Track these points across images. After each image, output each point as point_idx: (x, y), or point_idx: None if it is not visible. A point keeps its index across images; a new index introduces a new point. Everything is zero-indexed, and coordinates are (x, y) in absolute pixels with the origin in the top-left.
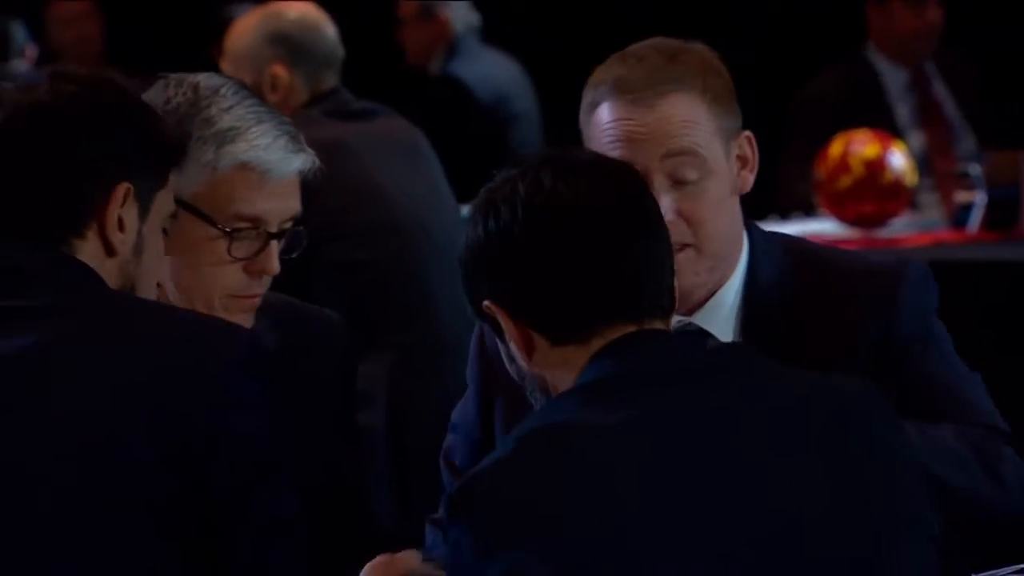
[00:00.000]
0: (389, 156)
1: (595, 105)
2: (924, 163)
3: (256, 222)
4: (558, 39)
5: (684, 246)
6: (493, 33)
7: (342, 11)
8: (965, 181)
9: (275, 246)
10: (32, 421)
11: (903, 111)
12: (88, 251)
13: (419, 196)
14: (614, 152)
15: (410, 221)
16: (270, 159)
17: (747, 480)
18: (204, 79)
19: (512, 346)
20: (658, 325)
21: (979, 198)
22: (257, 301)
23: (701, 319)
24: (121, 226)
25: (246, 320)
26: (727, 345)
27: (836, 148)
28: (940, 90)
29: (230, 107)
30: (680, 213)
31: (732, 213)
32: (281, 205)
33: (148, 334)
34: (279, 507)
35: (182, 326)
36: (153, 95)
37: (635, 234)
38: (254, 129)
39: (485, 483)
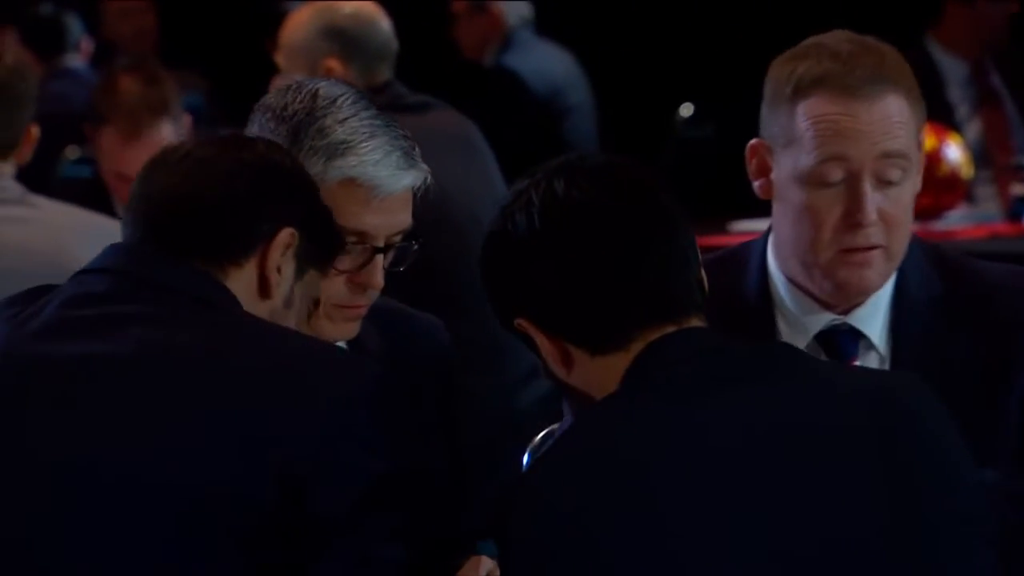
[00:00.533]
0: (444, 150)
1: (799, 96)
2: (981, 156)
3: (362, 236)
4: (612, 31)
5: (874, 247)
6: (547, 25)
7: (396, 5)
8: (1021, 173)
9: (380, 260)
10: (134, 418)
11: (961, 103)
12: (242, 282)
13: (474, 191)
14: (825, 145)
15: (465, 217)
16: (379, 175)
17: (793, 484)
18: (325, 87)
19: (550, 361)
20: (695, 323)
21: None
22: (363, 311)
23: (855, 319)
24: (279, 271)
25: (352, 329)
26: (770, 344)
27: None
28: (998, 82)
29: (345, 119)
30: (880, 215)
31: (909, 216)
32: (389, 220)
33: (273, 355)
34: (373, 547)
35: (311, 353)
36: (273, 99)
37: (655, 232)
38: (366, 144)
39: (527, 494)
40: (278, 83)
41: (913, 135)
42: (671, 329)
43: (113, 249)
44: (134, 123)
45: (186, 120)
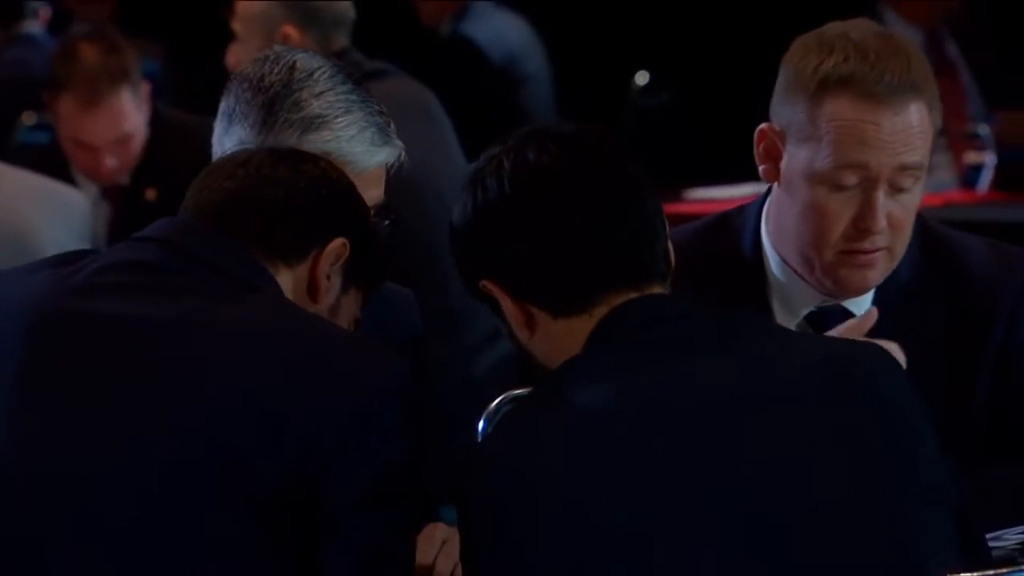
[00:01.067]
0: (403, 118)
1: (824, 93)
2: None
3: None
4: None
5: (879, 250)
6: None
7: None
8: (975, 142)
9: None
10: (168, 380)
11: None
12: (291, 282)
13: (433, 160)
14: (845, 151)
15: (425, 185)
16: (353, 151)
17: (751, 448)
18: (302, 59)
19: (513, 323)
20: (657, 289)
21: (989, 159)
22: None
23: (848, 301)
24: (328, 278)
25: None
26: (732, 311)
27: None
28: (953, 52)
29: (321, 93)
30: (889, 219)
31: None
32: (363, 195)
33: (310, 339)
34: (384, 539)
35: (346, 342)
36: (251, 69)
37: (625, 200)
38: (341, 120)
39: (486, 457)
40: (235, 50)
41: (929, 143)
42: (634, 295)
43: (168, 221)
44: (93, 91)
45: (145, 88)
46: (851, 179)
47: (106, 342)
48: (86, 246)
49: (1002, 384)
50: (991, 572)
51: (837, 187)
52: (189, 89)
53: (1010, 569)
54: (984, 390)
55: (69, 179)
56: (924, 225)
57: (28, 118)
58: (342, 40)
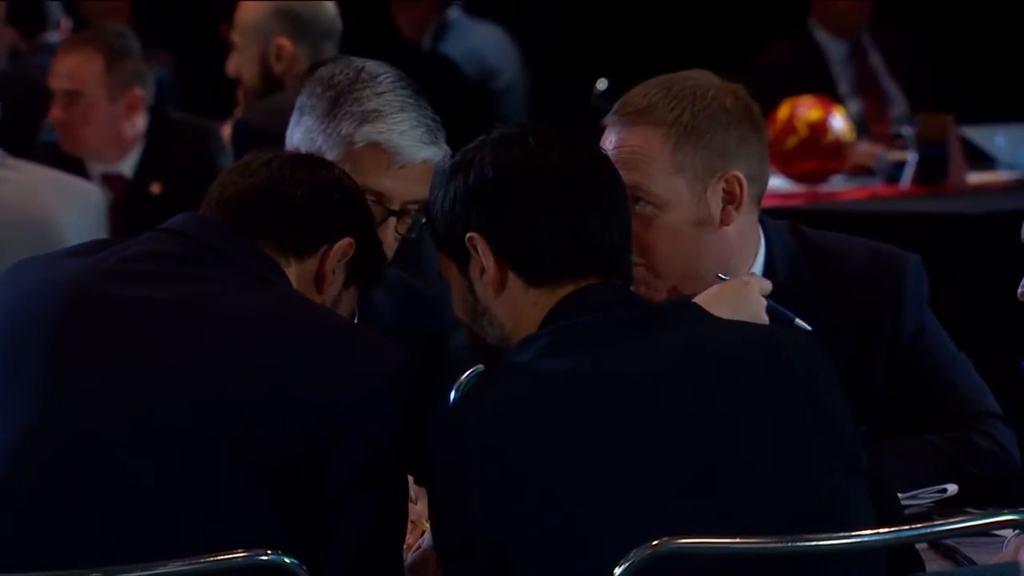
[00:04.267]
0: None
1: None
2: (861, 125)
3: (379, 197)
4: (535, 13)
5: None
6: (475, 4)
7: None
8: (898, 141)
9: (392, 223)
10: (182, 364)
11: (843, 79)
12: (299, 275)
13: None
14: None
15: None
16: (401, 144)
17: (695, 416)
18: (371, 65)
19: (483, 280)
20: (618, 280)
21: (911, 156)
22: None
23: None
24: (333, 272)
25: None
26: (678, 301)
27: (783, 112)
28: (876, 61)
29: (382, 92)
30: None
31: (694, 243)
32: (406, 187)
33: (317, 326)
34: (382, 511)
35: (350, 331)
36: (324, 71)
37: (609, 195)
38: (395, 116)
39: (446, 417)
40: (234, 58)
41: (670, 170)
42: (596, 280)
43: (190, 216)
44: (71, 39)
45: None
46: None
47: (131, 323)
48: (103, 234)
49: (897, 371)
50: (905, 526)
51: None
52: (196, 92)
53: (924, 524)
54: (879, 381)
55: (84, 175)
56: (801, 233)
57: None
58: (331, 50)
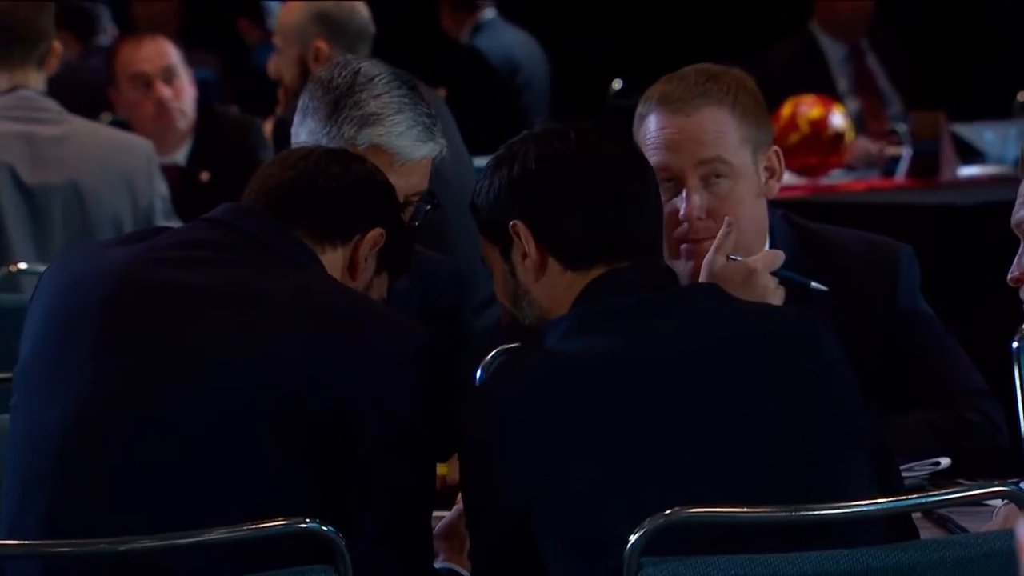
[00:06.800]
0: None
1: (644, 117)
2: (860, 123)
3: None
4: (557, 18)
5: (708, 239)
6: (516, 15)
7: None
8: (894, 137)
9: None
10: (223, 342)
11: (842, 79)
12: (336, 260)
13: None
14: (655, 156)
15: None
16: (400, 145)
17: (709, 393)
18: (366, 66)
19: (525, 264)
20: (649, 264)
21: (905, 152)
22: None
23: None
24: (365, 260)
25: None
26: (699, 284)
27: (786, 110)
28: (873, 62)
29: (379, 95)
30: (708, 211)
31: (755, 212)
32: (407, 182)
33: (348, 307)
34: (410, 478)
35: (375, 312)
36: (323, 73)
37: (644, 186)
38: (393, 118)
39: (475, 390)
40: (275, 60)
41: (739, 143)
42: (627, 264)
43: (232, 206)
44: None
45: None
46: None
47: (174, 307)
48: (164, 181)
49: (892, 352)
50: (902, 497)
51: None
52: (237, 90)
53: (919, 495)
54: (875, 362)
55: None
56: (798, 223)
57: (105, 117)
58: (365, 51)
